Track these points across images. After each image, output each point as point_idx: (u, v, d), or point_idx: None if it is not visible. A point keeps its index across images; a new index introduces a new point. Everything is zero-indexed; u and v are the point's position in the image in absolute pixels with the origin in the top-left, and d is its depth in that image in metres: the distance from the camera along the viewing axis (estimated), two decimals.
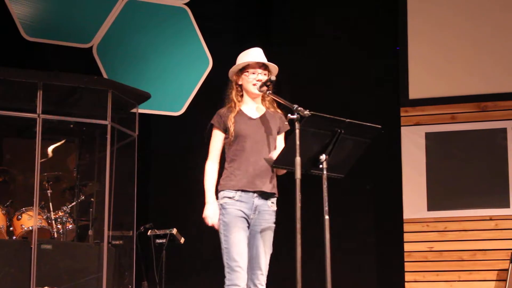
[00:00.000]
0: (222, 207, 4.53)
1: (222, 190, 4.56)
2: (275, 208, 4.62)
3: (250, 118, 4.61)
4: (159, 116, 8.39)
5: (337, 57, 8.42)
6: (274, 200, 4.62)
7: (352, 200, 7.99)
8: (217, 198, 4.58)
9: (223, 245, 4.49)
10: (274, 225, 4.61)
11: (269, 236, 4.58)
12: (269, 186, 4.55)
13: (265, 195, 4.55)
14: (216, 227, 4.54)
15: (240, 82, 4.66)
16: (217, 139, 4.62)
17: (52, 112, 6.95)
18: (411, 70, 8.13)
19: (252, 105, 4.67)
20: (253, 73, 4.60)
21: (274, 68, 4.67)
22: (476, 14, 8.08)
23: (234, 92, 4.66)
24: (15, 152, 8.04)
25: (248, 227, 4.55)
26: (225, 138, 4.61)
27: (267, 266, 4.58)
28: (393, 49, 8.28)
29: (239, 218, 4.49)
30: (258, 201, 4.53)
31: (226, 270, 4.45)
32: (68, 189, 7.58)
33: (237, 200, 4.50)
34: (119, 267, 7.27)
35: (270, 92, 4.53)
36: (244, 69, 4.62)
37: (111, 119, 6.97)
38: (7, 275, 6.35)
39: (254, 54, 4.65)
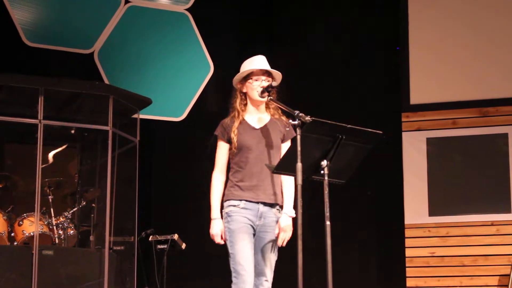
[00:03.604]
0: (227, 215, 4.55)
1: (228, 200, 4.58)
2: (279, 215, 4.61)
3: (253, 128, 4.62)
4: (160, 122, 8.40)
5: (338, 62, 8.43)
6: (279, 207, 4.63)
7: (353, 206, 7.99)
8: (222, 207, 4.60)
9: (229, 251, 4.52)
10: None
11: (274, 243, 4.58)
12: (273, 197, 4.57)
13: (269, 203, 4.57)
14: (222, 242, 4.58)
15: (244, 90, 4.67)
16: (222, 150, 4.65)
17: (53, 118, 6.96)
18: (412, 75, 8.14)
19: (255, 114, 4.68)
20: (257, 80, 4.60)
21: (277, 75, 4.68)
22: (476, 20, 8.09)
23: (238, 101, 4.67)
24: (17, 157, 8.04)
25: (254, 234, 4.56)
26: (229, 149, 4.62)
27: (272, 272, 4.59)
28: (394, 56, 8.29)
29: (245, 225, 4.51)
30: (263, 208, 4.56)
31: (233, 274, 4.48)
32: (69, 195, 7.58)
33: (242, 208, 4.53)
34: (120, 272, 7.27)
35: (272, 98, 4.53)
36: (248, 76, 4.63)
37: (113, 125, 6.97)
38: (8, 281, 6.34)
39: (258, 62, 4.66)
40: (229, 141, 4.61)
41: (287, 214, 4.55)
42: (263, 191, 4.54)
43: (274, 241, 4.58)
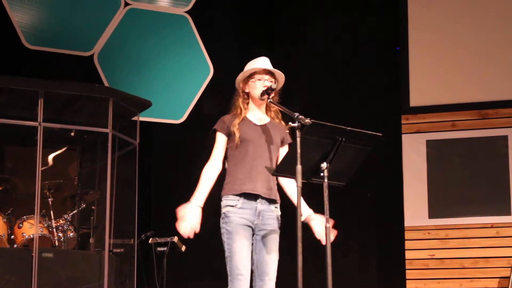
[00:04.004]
0: (225, 215, 4.51)
1: (225, 196, 4.54)
2: (278, 212, 4.61)
3: (255, 125, 4.62)
4: (160, 124, 8.40)
5: (338, 62, 8.43)
6: (277, 205, 4.61)
7: (353, 208, 7.98)
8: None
9: (226, 253, 4.47)
10: (279, 230, 4.60)
11: (275, 241, 4.56)
12: (269, 192, 4.55)
13: (267, 200, 4.55)
14: (187, 235, 4.38)
15: (247, 90, 4.67)
16: (220, 143, 4.62)
17: (53, 120, 6.96)
18: (412, 77, 8.14)
19: (257, 114, 4.68)
20: (260, 80, 4.61)
21: (280, 76, 4.69)
22: (476, 21, 8.09)
23: (240, 100, 4.68)
24: (17, 160, 8.04)
25: (253, 234, 4.54)
26: (228, 143, 4.61)
27: (275, 271, 4.53)
28: (394, 57, 8.29)
29: (242, 226, 4.48)
30: (261, 206, 4.52)
31: (229, 278, 4.44)
32: (69, 197, 7.58)
33: (239, 208, 4.50)
34: (120, 275, 7.27)
35: (271, 100, 4.54)
36: (251, 76, 4.64)
37: (112, 127, 6.97)
38: (8, 283, 6.34)
39: (261, 62, 4.68)
40: (228, 134, 4.59)
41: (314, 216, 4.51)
42: (261, 184, 4.51)
43: (275, 239, 4.56)
